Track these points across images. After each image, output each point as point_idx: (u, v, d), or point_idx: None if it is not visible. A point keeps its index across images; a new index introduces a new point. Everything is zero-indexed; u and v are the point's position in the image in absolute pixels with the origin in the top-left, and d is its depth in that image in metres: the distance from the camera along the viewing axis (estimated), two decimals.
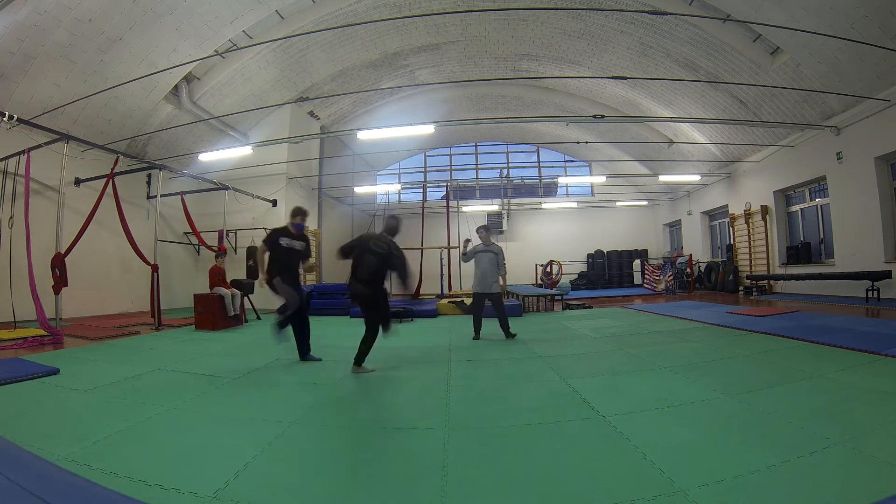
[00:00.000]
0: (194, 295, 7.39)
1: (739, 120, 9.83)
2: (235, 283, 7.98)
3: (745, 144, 10.98)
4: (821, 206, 9.89)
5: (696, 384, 3.19)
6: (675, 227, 17.45)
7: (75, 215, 7.43)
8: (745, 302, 9.74)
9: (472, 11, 8.60)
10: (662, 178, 14.01)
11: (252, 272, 10.12)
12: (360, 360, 3.89)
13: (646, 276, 14.64)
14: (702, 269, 14.08)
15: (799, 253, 10.22)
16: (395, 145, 15.18)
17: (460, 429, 2.44)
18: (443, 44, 10.52)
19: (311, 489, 1.83)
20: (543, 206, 18.19)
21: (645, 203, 17.88)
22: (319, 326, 5.78)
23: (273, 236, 4.48)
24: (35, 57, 6.82)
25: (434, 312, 8.49)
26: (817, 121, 8.80)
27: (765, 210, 11.16)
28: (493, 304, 5.63)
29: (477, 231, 6.00)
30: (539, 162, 19.13)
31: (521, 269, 17.28)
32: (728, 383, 3.16)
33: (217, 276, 7.45)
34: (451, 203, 14.79)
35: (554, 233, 18.03)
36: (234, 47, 8.60)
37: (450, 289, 13.22)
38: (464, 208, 17.11)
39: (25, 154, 6.40)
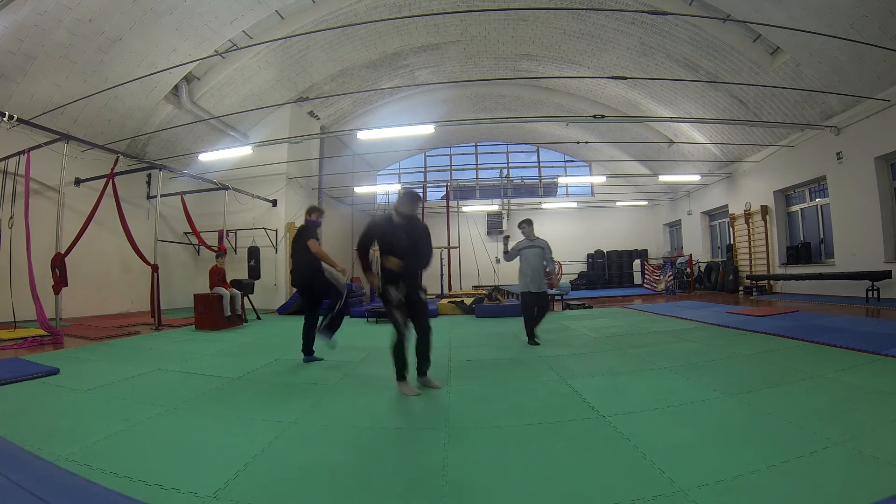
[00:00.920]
0: (194, 295, 7.40)
1: (739, 120, 9.83)
2: (235, 283, 7.99)
3: (745, 144, 10.98)
4: (821, 206, 9.89)
5: (696, 384, 3.19)
6: (675, 227, 17.45)
7: (75, 215, 7.43)
8: (745, 302, 9.74)
9: (472, 11, 8.60)
10: (662, 178, 14.01)
11: (253, 272, 10.14)
12: (425, 368, 3.35)
13: (646, 276, 14.64)
14: (702, 269, 14.08)
15: (799, 253, 10.22)
16: (395, 145, 15.18)
17: (460, 429, 2.44)
18: (443, 44, 10.52)
19: (311, 489, 1.83)
20: (543, 206, 18.18)
21: (645, 203, 17.88)
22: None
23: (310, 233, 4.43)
24: (35, 57, 6.82)
25: (434, 312, 8.50)
26: (817, 121, 8.80)
27: (765, 210, 11.16)
28: (539, 305, 5.21)
29: (519, 226, 5.55)
30: (539, 162, 19.13)
31: None
32: (728, 383, 3.16)
33: (217, 277, 7.45)
34: (451, 203, 14.80)
35: (554, 233, 17.85)
36: (234, 47, 8.60)
37: (450, 289, 13.24)
38: (464, 208, 17.12)
39: (25, 154, 6.40)
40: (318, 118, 12.66)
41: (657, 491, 1.69)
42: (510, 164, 19.24)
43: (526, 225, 5.48)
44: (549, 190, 19.38)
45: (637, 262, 16.44)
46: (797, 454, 1.94)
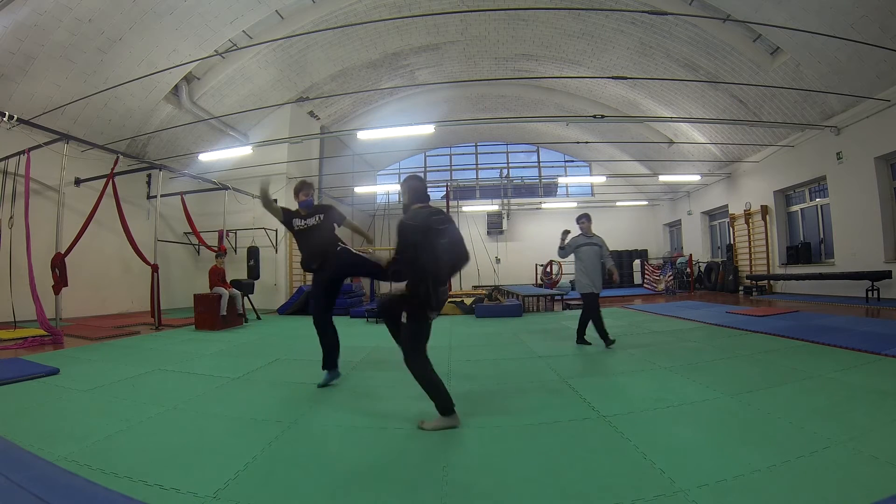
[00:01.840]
0: (194, 295, 7.40)
1: (739, 120, 9.83)
2: (235, 283, 7.99)
3: (745, 144, 10.98)
4: (821, 206, 9.89)
5: (696, 384, 3.19)
6: (675, 227, 17.45)
7: (75, 215, 7.43)
8: (745, 302, 9.74)
9: (472, 11, 8.60)
10: (662, 178, 14.01)
11: (253, 272, 10.15)
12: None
13: (646, 276, 14.63)
14: (702, 269, 14.07)
15: (799, 253, 10.22)
16: (395, 145, 15.17)
17: (460, 429, 2.44)
18: (443, 44, 10.52)
19: (310, 489, 1.83)
20: (543, 206, 18.18)
21: (645, 203, 17.88)
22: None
23: (286, 218, 3.85)
24: (35, 57, 6.82)
25: None
26: (817, 121, 8.80)
27: (765, 210, 11.16)
28: (587, 304, 4.87)
29: (578, 220, 5.15)
30: (539, 162, 19.12)
31: (521, 268, 17.31)
32: (728, 383, 3.16)
33: (217, 277, 7.45)
34: (451, 203, 14.78)
35: (554, 233, 17.76)
36: (234, 47, 8.60)
37: (450, 288, 13.23)
38: (464, 208, 17.12)
39: (25, 154, 6.40)
40: (318, 118, 12.66)
41: (657, 491, 1.69)
42: (510, 164, 19.24)
43: (584, 220, 5.11)
44: (549, 190, 19.37)
45: (637, 261, 16.42)
46: (797, 454, 1.94)
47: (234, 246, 11.15)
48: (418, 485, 1.83)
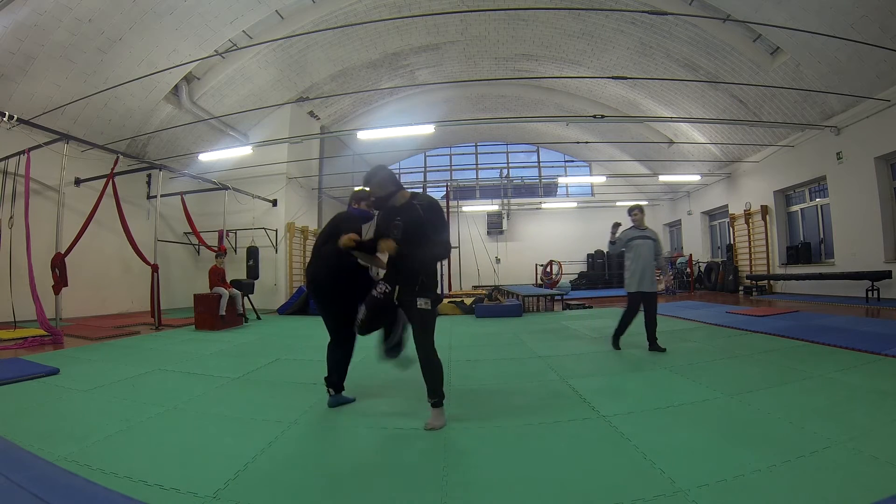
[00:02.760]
0: (194, 295, 7.40)
1: (739, 120, 9.83)
2: (235, 283, 7.99)
3: (745, 144, 10.98)
4: (821, 206, 9.89)
5: (696, 384, 3.19)
6: (675, 227, 17.45)
7: (75, 215, 7.43)
8: (745, 302, 9.74)
9: (472, 11, 8.60)
10: (662, 178, 14.02)
11: (253, 272, 10.15)
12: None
13: None
14: (702, 269, 14.08)
15: (799, 253, 10.22)
16: (395, 145, 15.18)
17: (460, 429, 2.44)
18: (443, 44, 10.52)
19: (310, 489, 1.83)
20: (543, 206, 18.19)
21: (645, 203, 17.73)
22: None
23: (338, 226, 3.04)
24: (35, 57, 6.82)
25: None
26: (817, 121, 8.80)
27: (765, 210, 11.16)
28: (649, 305, 4.46)
29: (630, 212, 4.70)
30: (539, 162, 19.13)
31: (521, 268, 17.32)
32: (728, 383, 3.16)
33: (217, 277, 7.45)
34: (451, 203, 14.79)
35: (554, 233, 18.04)
36: (234, 47, 8.60)
37: (450, 289, 13.23)
38: (464, 208, 17.13)
39: (25, 154, 6.40)
40: (318, 118, 12.66)
41: (657, 491, 1.69)
42: (510, 164, 19.25)
43: (638, 212, 4.66)
44: (549, 190, 19.38)
45: None
46: (797, 454, 1.94)
47: (233, 246, 11.15)
48: (418, 485, 1.83)
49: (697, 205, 15.06)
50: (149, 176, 10.26)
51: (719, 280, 12.90)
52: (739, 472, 1.81)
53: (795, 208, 10.81)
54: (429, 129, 9.78)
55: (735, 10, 7.30)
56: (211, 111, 9.85)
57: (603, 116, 8.21)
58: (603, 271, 17.53)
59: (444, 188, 15.40)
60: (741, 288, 11.90)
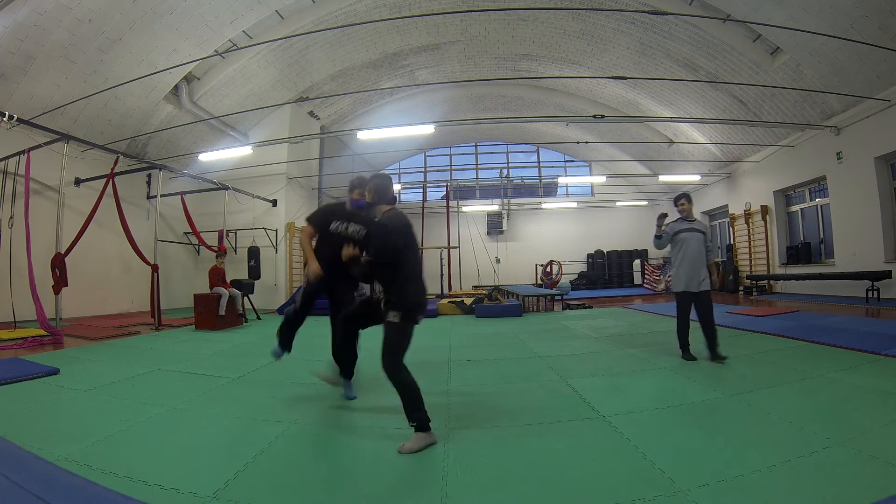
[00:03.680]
0: (194, 295, 7.40)
1: (739, 120, 9.83)
2: (235, 283, 7.99)
3: (745, 144, 10.98)
4: (821, 206, 9.89)
5: (696, 384, 3.19)
6: None
7: (75, 215, 7.44)
8: (745, 302, 9.74)
9: (472, 11, 8.60)
10: (662, 178, 14.00)
11: (253, 272, 10.14)
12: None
13: (646, 276, 14.64)
14: None
15: (799, 253, 10.22)
16: (394, 145, 15.17)
17: (461, 429, 2.44)
18: (443, 44, 10.51)
19: (310, 490, 1.83)
20: (543, 206, 18.18)
21: (645, 203, 17.86)
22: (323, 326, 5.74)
23: (321, 216, 3.29)
24: (35, 57, 6.82)
25: (434, 312, 8.49)
26: (817, 121, 8.80)
27: (765, 210, 11.16)
28: (701, 307, 4.02)
29: (677, 202, 4.28)
30: (539, 162, 19.11)
31: (521, 268, 17.31)
32: (728, 383, 3.16)
33: (217, 277, 7.45)
34: (450, 203, 14.80)
35: (554, 233, 18.02)
36: (234, 47, 8.60)
37: (450, 289, 13.23)
38: (464, 208, 17.12)
39: (25, 154, 6.40)
40: (318, 118, 12.66)
41: (657, 491, 1.69)
42: (510, 164, 19.23)
43: (685, 201, 4.24)
44: (549, 190, 19.37)
45: (637, 262, 16.42)
46: (797, 454, 1.95)
47: (234, 246, 11.15)
48: (418, 484, 1.83)
49: (697, 205, 14.92)
50: (149, 176, 10.26)
51: (719, 280, 12.89)
52: (739, 472, 1.81)
53: (795, 208, 10.81)
54: (429, 129, 9.78)
55: (735, 10, 7.30)
56: (211, 111, 9.85)
57: (603, 116, 8.21)
58: (603, 271, 17.54)
59: (444, 188, 15.40)
60: (741, 288, 11.90)
